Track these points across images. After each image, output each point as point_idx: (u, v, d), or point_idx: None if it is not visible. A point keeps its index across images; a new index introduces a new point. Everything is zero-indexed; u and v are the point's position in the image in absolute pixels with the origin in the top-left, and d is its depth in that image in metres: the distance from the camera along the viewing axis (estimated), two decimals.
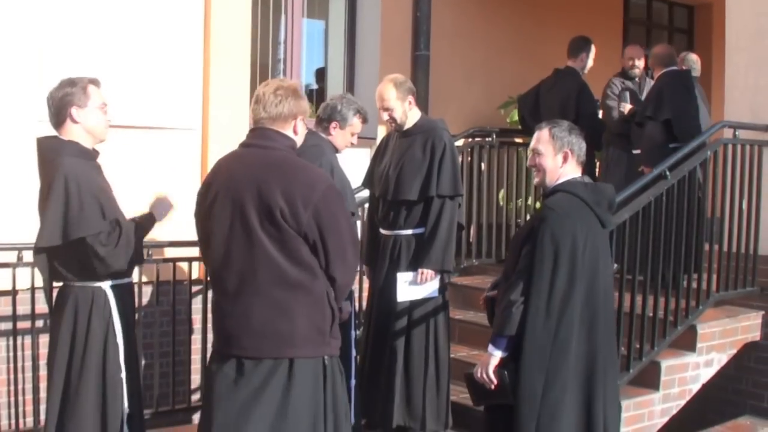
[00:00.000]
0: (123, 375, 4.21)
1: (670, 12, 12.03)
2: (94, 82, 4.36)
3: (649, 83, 8.12)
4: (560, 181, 4.10)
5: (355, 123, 5.41)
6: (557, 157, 4.11)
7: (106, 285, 4.21)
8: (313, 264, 3.59)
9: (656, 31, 12.03)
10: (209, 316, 5.85)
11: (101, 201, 4.15)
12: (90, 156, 4.28)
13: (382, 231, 5.77)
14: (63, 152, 4.15)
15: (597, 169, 8.14)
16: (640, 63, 8.21)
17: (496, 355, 4.02)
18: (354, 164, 6.22)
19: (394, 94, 5.63)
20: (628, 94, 8.01)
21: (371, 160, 6.07)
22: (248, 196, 3.55)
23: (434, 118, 5.98)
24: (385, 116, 5.67)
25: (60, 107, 4.23)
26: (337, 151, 5.40)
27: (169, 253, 6.05)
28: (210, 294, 5.94)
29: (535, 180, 4.22)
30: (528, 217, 7.80)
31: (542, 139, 4.16)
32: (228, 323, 3.62)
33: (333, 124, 5.34)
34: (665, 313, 5.97)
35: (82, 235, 4.05)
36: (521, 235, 4.12)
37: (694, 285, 6.20)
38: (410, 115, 5.72)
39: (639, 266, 5.81)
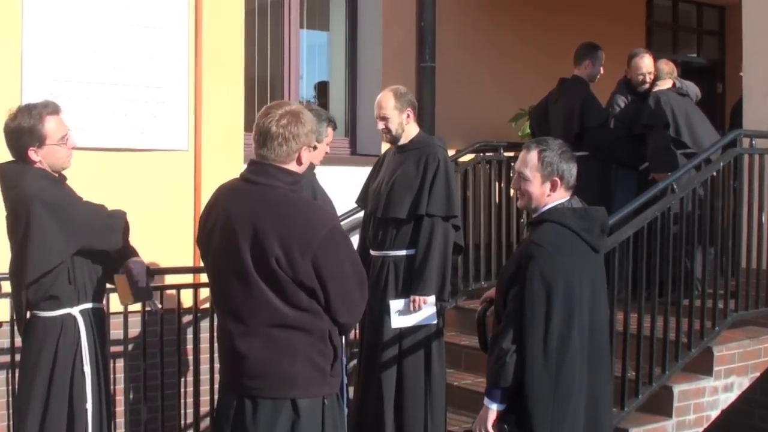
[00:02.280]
0: (89, 405, 4.35)
1: (699, 13, 12.09)
2: (54, 111, 4.47)
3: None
4: (547, 208, 4.04)
5: (330, 133, 5.56)
6: (545, 185, 4.02)
7: (75, 311, 4.40)
8: (313, 306, 3.65)
9: (684, 35, 12.13)
10: (203, 346, 6.01)
11: (80, 212, 4.40)
12: (56, 178, 4.49)
13: (372, 251, 5.88)
14: (28, 177, 4.34)
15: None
16: (649, 77, 8.13)
17: (494, 409, 3.96)
18: (358, 183, 6.35)
19: (393, 104, 5.75)
20: (610, 110, 8.10)
21: (367, 176, 6.20)
22: (243, 239, 3.59)
23: (432, 136, 6.13)
24: (380, 125, 5.77)
25: (16, 147, 4.40)
26: (314, 166, 5.53)
27: (157, 280, 6.20)
28: (202, 324, 6.18)
29: (519, 203, 4.19)
30: None
31: (530, 163, 4.04)
32: (230, 359, 3.73)
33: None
34: (677, 335, 6.06)
35: (83, 246, 4.28)
36: (507, 272, 4.07)
37: (709, 304, 6.29)
38: (407, 129, 5.82)
39: (646, 285, 5.92)
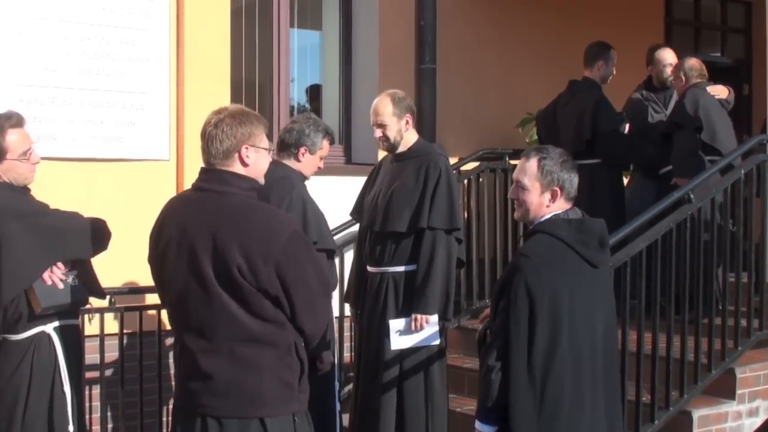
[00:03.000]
0: (71, 428, 4.43)
1: (723, 10, 12.14)
2: (17, 123, 4.54)
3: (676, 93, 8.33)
4: (543, 219, 4.12)
5: (325, 146, 5.60)
6: (544, 195, 4.10)
7: (49, 327, 4.48)
8: (278, 316, 3.75)
9: (706, 33, 12.20)
10: None
11: (55, 221, 4.49)
12: (21, 189, 4.57)
13: (369, 268, 5.94)
14: None
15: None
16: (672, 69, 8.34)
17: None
18: (354, 194, 6.41)
19: (390, 110, 5.81)
20: (624, 114, 8.20)
21: (362, 187, 6.26)
22: (203, 250, 3.69)
23: (432, 143, 6.19)
24: (378, 133, 5.84)
25: None
26: (305, 178, 5.59)
27: (135, 300, 6.28)
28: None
29: (516, 214, 4.26)
30: None
31: (529, 172, 4.10)
32: (191, 379, 3.80)
33: (302, 150, 5.52)
34: (696, 355, 6.11)
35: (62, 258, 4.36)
36: (498, 285, 4.15)
37: (731, 322, 6.35)
38: (406, 136, 5.89)
39: (661, 302, 5.98)
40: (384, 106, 5.81)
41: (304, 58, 9.16)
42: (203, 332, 3.73)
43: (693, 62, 7.86)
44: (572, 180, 4.14)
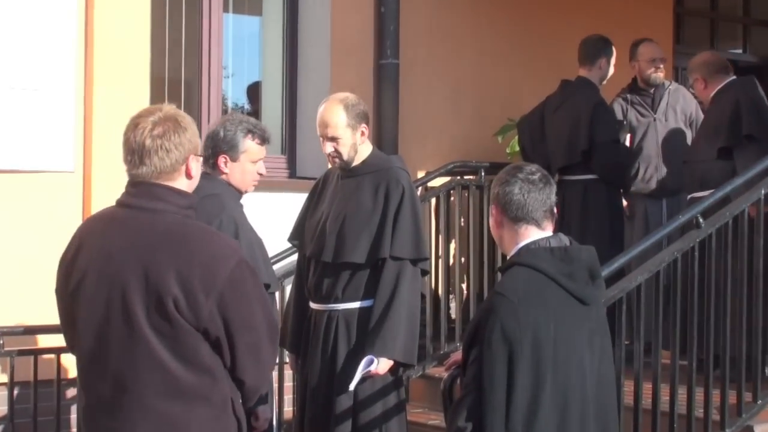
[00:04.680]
0: None
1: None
2: None
3: (673, 93, 8.45)
4: (518, 248, 4.15)
5: (250, 147, 5.52)
6: (492, 218, 4.23)
7: None
8: (214, 365, 3.73)
9: (725, 26, 12.37)
10: None
11: None
12: None
13: (313, 305, 5.94)
14: None
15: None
16: (662, 64, 8.58)
17: None
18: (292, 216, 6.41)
19: (344, 120, 5.75)
20: (625, 122, 8.32)
21: (303, 207, 6.24)
22: (132, 281, 3.65)
23: (390, 155, 6.21)
24: (329, 149, 5.77)
25: None
26: (240, 194, 5.58)
27: (29, 342, 6.25)
28: None
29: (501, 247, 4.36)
30: None
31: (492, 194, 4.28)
32: None
33: (221, 158, 5.50)
34: (706, 410, 6.17)
35: None
36: (469, 330, 4.14)
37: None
38: (361, 149, 5.87)
39: (664, 346, 6.06)
40: (335, 116, 5.75)
41: (241, 49, 9.20)
42: (121, 383, 3.69)
43: (707, 57, 7.95)
44: (516, 193, 4.14)
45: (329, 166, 6.09)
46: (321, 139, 5.84)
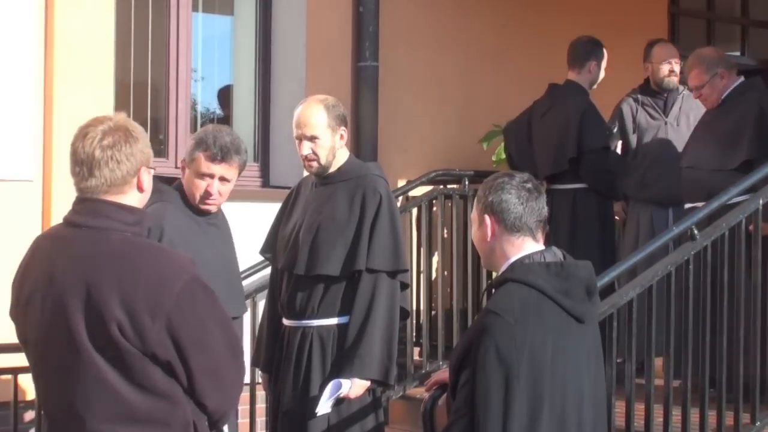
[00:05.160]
0: None
1: None
2: None
3: (687, 99, 8.43)
4: (509, 263, 4.14)
5: (197, 159, 5.45)
6: (482, 229, 4.19)
7: None
8: (170, 389, 3.70)
9: (722, 27, 12.41)
10: None
11: None
12: None
13: (287, 321, 5.95)
14: None
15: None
16: (677, 68, 8.51)
17: None
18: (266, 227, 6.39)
19: (324, 120, 5.77)
20: (616, 128, 8.34)
21: (275, 218, 6.24)
22: (74, 304, 3.64)
23: (367, 162, 6.21)
24: (306, 150, 5.78)
25: None
26: (197, 207, 5.52)
27: None
28: None
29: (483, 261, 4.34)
30: None
31: (474, 204, 4.28)
32: None
33: (182, 162, 5.57)
34: None
35: None
36: (458, 351, 4.13)
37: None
38: (338, 155, 5.89)
39: (652, 364, 6.06)
40: (315, 115, 5.78)
41: (211, 51, 9.19)
42: (73, 410, 3.68)
43: (718, 51, 7.93)
44: (513, 202, 4.13)
45: (305, 173, 6.08)
46: (297, 141, 5.84)
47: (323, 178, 5.90)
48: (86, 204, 3.79)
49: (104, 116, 3.88)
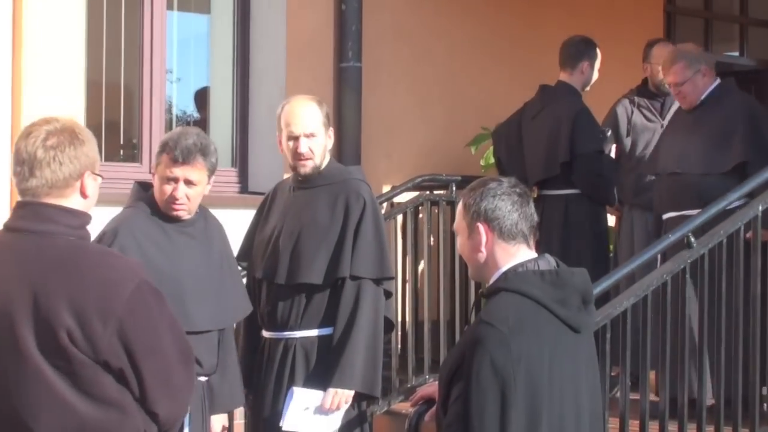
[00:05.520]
0: None
1: None
2: None
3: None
4: (502, 272, 4.12)
5: (162, 161, 5.41)
6: (473, 238, 4.15)
7: None
8: (121, 399, 3.71)
9: (720, 26, 12.43)
10: None
11: None
12: None
13: (267, 333, 5.95)
14: None
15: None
16: None
17: None
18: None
19: (320, 117, 5.81)
20: (609, 131, 8.34)
21: (251, 224, 6.24)
22: (20, 312, 3.63)
23: (347, 166, 6.21)
24: (304, 147, 5.76)
25: None
26: (167, 213, 5.47)
27: None
28: None
29: (469, 273, 4.34)
30: None
31: (457, 213, 4.24)
32: None
33: (153, 167, 5.58)
34: None
35: None
36: (449, 363, 4.10)
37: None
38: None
39: (646, 378, 6.06)
40: (312, 112, 5.80)
41: (187, 51, 9.20)
42: (21, 424, 3.67)
43: (698, 47, 7.94)
44: (508, 208, 4.12)
45: (285, 176, 6.08)
46: (289, 141, 5.82)
47: (302, 182, 5.89)
48: (28, 208, 3.78)
49: (52, 117, 3.87)
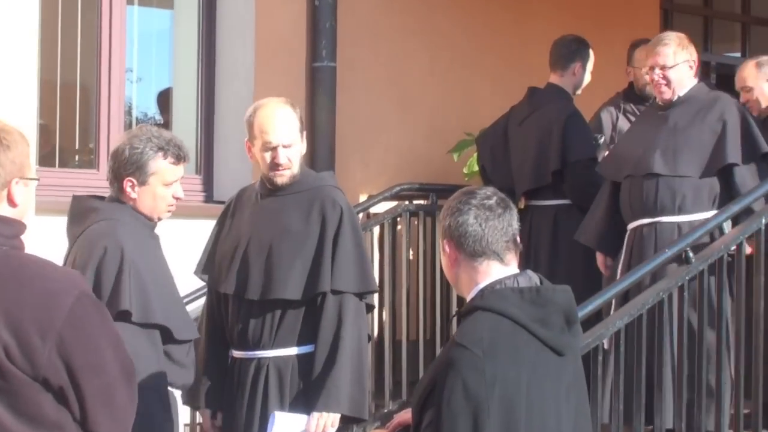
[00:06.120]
0: None
1: None
2: None
3: None
4: (479, 288, 4.11)
5: (162, 168, 5.43)
6: (447, 254, 4.18)
7: None
8: (61, 420, 3.68)
9: (720, 25, 12.47)
10: None
11: None
12: None
13: (236, 352, 5.91)
14: None
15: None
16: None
17: None
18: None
19: (297, 124, 5.79)
20: (603, 138, 8.36)
21: (211, 234, 6.21)
22: None
23: (318, 172, 6.20)
24: (283, 159, 5.73)
25: None
26: (151, 222, 5.51)
27: None
28: None
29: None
30: None
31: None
32: None
33: (126, 182, 5.43)
34: None
35: None
36: (422, 388, 4.09)
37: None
38: None
39: (646, 405, 6.06)
40: (290, 119, 5.76)
41: (148, 49, 9.19)
42: None
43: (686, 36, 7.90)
44: (470, 223, 4.10)
45: (252, 182, 6.05)
46: (266, 151, 5.77)
47: (272, 189, 5.87)
48: None
49: None
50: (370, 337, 6.11)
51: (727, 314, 6.40)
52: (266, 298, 5.77)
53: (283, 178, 5.83)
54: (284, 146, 5.74)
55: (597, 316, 6.02)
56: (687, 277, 6.14)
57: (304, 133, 5.88)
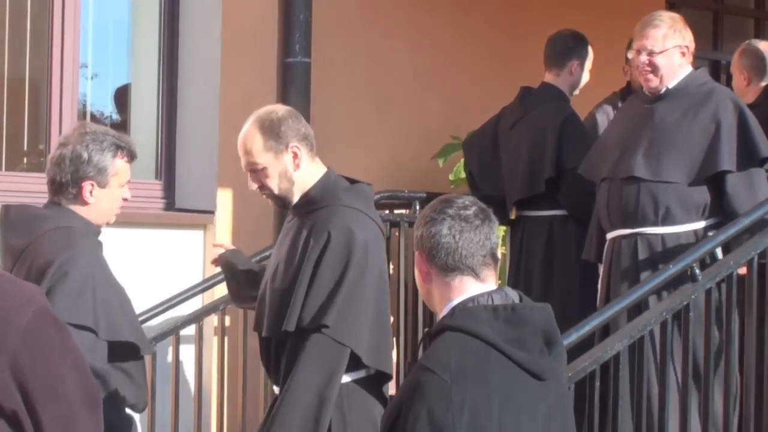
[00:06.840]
0: None
1: None
2: None
3: None
4: (452, 305, 4.10)
5: (120, 168, 5.50)
6: (418, 268, 4.21)
7: None
8: None
9: (731, 20, 12.51)
10: None
11: None
12: None
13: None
14: None
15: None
16: None
17: None
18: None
19: (260, 143, 5.66)
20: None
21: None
22: None
23: (344, 185, 6.01)
24: (251, 184, 5.74)
25: None
26: (98, 229, 5.53)
27: None
28: None
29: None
30: None
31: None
32: None
33: (86, 185, 5.44)
34: None
35: None
36: (388, 414, 4.11)
37: None
38: (302, 176, 5.74)
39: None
40: (250, 139, 5.68)
41: (104, 42, 9.18)
42: None
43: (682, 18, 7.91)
44: (443, 234, 4.08)
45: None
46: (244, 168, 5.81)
47: (295, 207, 5.78)
48: None
49: None
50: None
51: (735, 337, 6.39)
52: (262, 334, 5.82)
53: (272, 202, 5.91)
54: (250, 171, 5.74)
55: (591, 338, 6.00)
56: (693, 296, 6.11)
57: (292, 143, 5.66)
